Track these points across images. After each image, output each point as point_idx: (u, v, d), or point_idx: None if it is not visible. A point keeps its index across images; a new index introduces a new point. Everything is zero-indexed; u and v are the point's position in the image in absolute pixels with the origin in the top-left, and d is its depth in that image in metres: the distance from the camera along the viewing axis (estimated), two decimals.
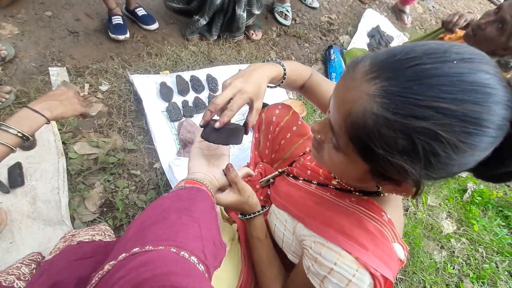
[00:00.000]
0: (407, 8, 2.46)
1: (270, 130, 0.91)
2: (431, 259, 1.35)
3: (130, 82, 1.36)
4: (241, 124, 0.62)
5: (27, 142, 0.61)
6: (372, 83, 0.35)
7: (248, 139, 1.35)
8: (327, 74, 1.85)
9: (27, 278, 0.59)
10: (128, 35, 1.45)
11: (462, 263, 1.40)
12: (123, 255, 0.32)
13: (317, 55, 1.94)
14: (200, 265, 0.35)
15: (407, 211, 1.48)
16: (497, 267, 1.43)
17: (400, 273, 1.27)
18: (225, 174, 0.60)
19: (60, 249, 0.62)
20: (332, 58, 1.83)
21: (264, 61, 0.67)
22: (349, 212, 0.52)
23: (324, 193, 0.60)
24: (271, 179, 0.83)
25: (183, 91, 1.37)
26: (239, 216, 0.68)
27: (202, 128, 0.57)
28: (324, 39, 2.06)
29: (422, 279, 1.28)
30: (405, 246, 0.50)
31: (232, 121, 0.58)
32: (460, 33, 1.37)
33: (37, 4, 1.46)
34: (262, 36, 1.82)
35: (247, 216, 0.65)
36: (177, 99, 1.37)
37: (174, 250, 0.34)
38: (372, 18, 2.22)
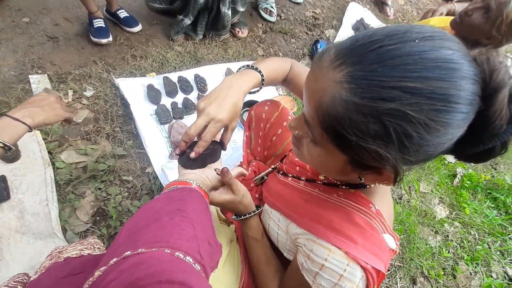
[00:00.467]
0: (389, 0, 2.50)
1: (260, 127, 0.90)
2: (426, 245, 1.37)
3: (115, 86, 1.32)
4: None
5: (9, 153, 0.59)
6: (338, 70, 0.34)
7: (239, 138, 1.34)
8: None
9: None
10: (111, 38, 1.41)
11: (456, 246, 1.43)
12: (114, 259, 0.31)
13: (304, 50, 1.94)
14: (196, 265, 0.34)
15: (400, 199, 1.50)
16: (490, 247, 1.48)
17: (398, 260, 1.29)
18: (217, 174, 0.60)
19: (46, 267, 0.59)
20: None
21: (240, 69, 0.65)
22: (338, 207, 0.52)
23: (312, 190, 0.59)
24: (265, 176, 0.82)
25: (171, 93, 1.35)
26: (234, 217, 0.67)
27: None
28: (310, 34, 2.06)
29: (420, 265, 1.30)
30: (395, 236, 0.50)
31: None
32: (447, 20, 1.38)
33: (13, 11, 1.41)
34: (248, 33, 1.81)
35: (242, 217, 0.65)
36: (166, 101, 1.34)
37: (169, 251, 0.33)
38: (355, 11, 2.24)
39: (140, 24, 1.54)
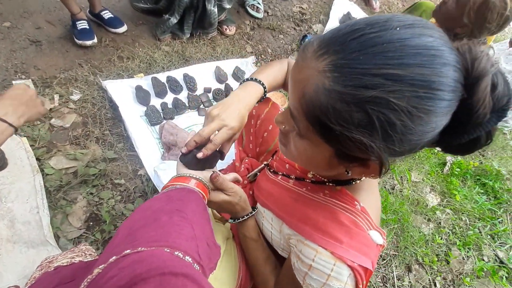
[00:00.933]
0: None
1: (251, 124, 0.90)
2: (420, 233, 1.40)
3: (103, 89, 1.30)
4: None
5: None
6: (320, 59, 0.34)
7: None
8: None
9: None
10: (95, 40, 1.39)
11: (448, 232, 1.47)
12: (114, 258, 0.30)
13: (292, 45, 1.94)
14: (195, 265, 0.34)
15: (393, 189, 1.52)
16: (480, 232, 1.52)
17: (392, 249, 1.31)
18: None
19: (36, 278, 0.57)
20: None
21: (243, 81, 0.68)
22: (323, 206, 0.53)
23: (300, 189, 0.60)
24: (258, 173, 0.82)
25: (160, 93, 1.33)
26: (230, 220, 0.67)
27: (184, 137, 0.58)
28: (298, 29, 2.06)
29: (414, 252, 1.33)
30: (381, 231, 0.50)
31: None
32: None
33: None
34: (236, 30, 1.80)
35: (240, 219, 0.65)
36: (155, 102, 1.32)
37: (168, 250, 0.33)
38: (342, 5, 2.25)
39: (125, 25, 1.52)
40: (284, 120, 0.46)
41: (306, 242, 0.50)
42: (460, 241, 1.45)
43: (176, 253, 0.33)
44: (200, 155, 0.56)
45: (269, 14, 2.04)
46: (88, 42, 1.36)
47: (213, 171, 0.59)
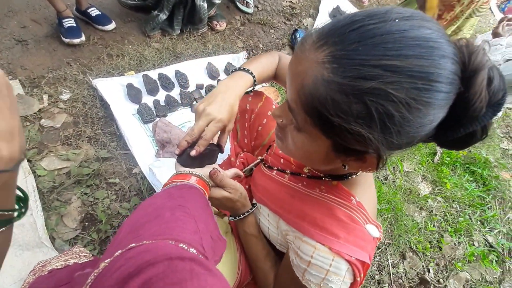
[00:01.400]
0: None
1: (245, 119, 0.90)
2: (413, 221, 1.44)
3: (93, 88, 1.28)
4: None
5: None
6: (320, 50, 0.34)
7: None
8: None
9: None
10: (83, 38, 1.36)
11: (440, 220, 1.51)
12: (119, 251, 0.31)
13: (283, 40, 1.94)
14: (200, 256, 0.34)
15: (386, 179, 1.55)
16: (470, 218, 1.56)
17: (387, 238, 1.34)
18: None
19: (30, 283, 0.57)
20: None
21: (232, 71, 0.67)
22: (320, 202, 0.53)
23: (296, 185, 0.60)
24: (253, 168, 0.83)
25: (152, 91, 1.32)
26: (231, 218, 0.67)
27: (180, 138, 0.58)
28: (288, 23, 2.06)
29: (408, 240, 1.36)
30: (378, 225, 0.51)
31: None
32: None
33: None
34: (226, 26, 1.79)
35: (241, 216, 0.65)
36: (147, 99, 1.31)
37: (173, 243, 0.33)
38: None
39: (113, 22, 1.49)
40: (281, 113, 0.46)
41: (304, 239, 0.50)
42: (451, 227, 1.49)
43: (180, 245, 0.33)
44: (193, 152, 0.56)
45: (259, 9, 2.03)
46: (76, 40, 1.34)
47: (213, 167, 0.59)
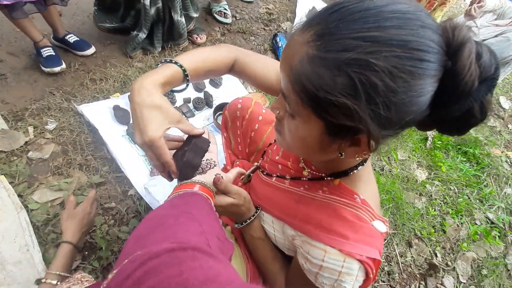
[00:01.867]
0: None
1: (237, 126, 0.90)
2: (414, 208, 1.45)
3: (79, 114, 1.26)
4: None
5: None
6: (306, 32, 0.36)
7: (219, 142, 1.33)
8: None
9: None
10: (64, 65, 1.35)
11: (440, 203, 1.52)
12: (125, 261, 0.30)
13: (265, 45, 1.97)
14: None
15: (382, 170, 1.57)
16: (469, 198, 1.58)
17: (391, 228, 1.34)
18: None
19: None
20: (280, 45, 1.87)
21: (158, 64, 0.58)
22: (324, 204, 0.53)
23: (297, 189, 0.59)
24: (251, 174, 0.82)
25: None
26: (235, 225, 0.67)
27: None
28: (267, 29, 2.09)
29: (411, 228, 1.37)
30: (384, 219, 0.51)
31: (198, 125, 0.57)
32: None
33: None
34: (207, 38, 1.80)
35: (248, 221, 0.64)
36: None
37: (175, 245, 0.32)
38: (307, 1, 2.30)
39: (93, 46, 1.48)
40: (278, 104, 0.47)
41: (313, 243, 0.50)
42: (452, 209, 1.51)
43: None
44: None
45: (237, 18, 2.05)
46: (57, 69, 1.32)
47: (216, 174, 0.57)
